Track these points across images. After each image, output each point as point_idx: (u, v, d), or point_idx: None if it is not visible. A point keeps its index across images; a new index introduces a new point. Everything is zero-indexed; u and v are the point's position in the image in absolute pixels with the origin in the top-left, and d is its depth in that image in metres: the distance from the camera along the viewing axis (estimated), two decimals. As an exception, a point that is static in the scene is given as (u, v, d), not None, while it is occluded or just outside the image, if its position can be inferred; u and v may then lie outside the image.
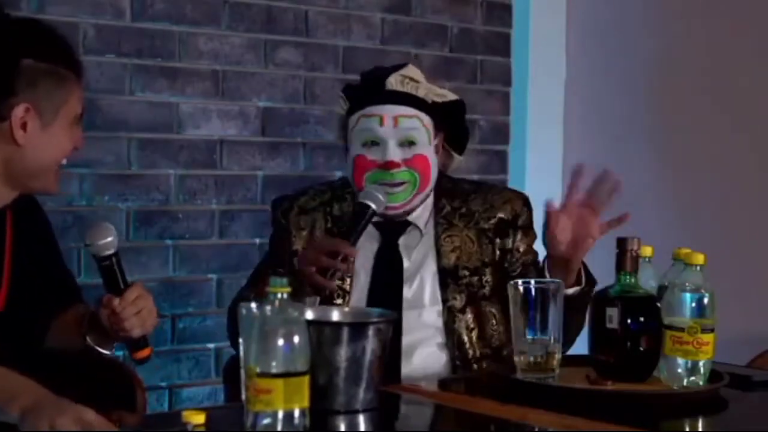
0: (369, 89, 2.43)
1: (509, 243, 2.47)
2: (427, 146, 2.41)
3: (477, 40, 3.85)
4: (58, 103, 2.04)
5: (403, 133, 2.38)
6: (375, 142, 2.38)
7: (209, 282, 3.27)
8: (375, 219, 2.34)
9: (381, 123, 2.37)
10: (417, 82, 2.43)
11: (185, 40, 3.21)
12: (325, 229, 2.45)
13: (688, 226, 3.51)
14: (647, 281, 2.10)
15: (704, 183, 3.55)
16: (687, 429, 2.02)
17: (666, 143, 3.67)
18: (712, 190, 3.53)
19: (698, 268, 2.00)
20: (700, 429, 2.01)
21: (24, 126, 2.01)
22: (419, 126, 2.40)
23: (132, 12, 3.11)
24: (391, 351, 2.32)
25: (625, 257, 2.04)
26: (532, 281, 2.05)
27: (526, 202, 2.52)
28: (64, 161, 2.11)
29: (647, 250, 2.15)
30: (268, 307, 1.55)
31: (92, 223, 2.11)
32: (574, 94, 3.93)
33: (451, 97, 2.48)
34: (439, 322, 2.40)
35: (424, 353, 2.38)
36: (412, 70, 2.44)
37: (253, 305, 1.63)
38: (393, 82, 2.40)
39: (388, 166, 2.37)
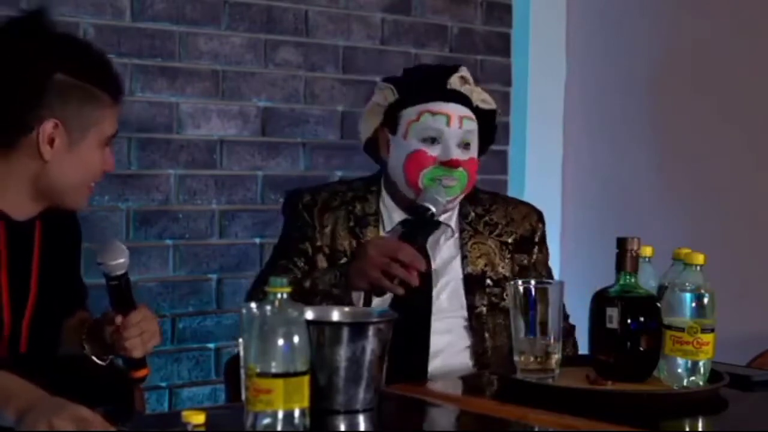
0: (430, 86, 2.41)
1: (526, 259, 2.49)
2: (476, 150, 2.43)
3: (477, 40, 3.85)
4: (87, 123, 1.99)
5: (465, 134, 2.39)
6: (435, 140, 2.37)
7: (209, 282, 3.27)
8: (403, 217, 2.38)
9: (448, 122, 2.37)
10: (471, 85, 2.44)
11: (185, 40, 3.21)
12: (348, 229, 2.42)
13: (688, 226, 3.51)
14: (647, 281, 2.10)
15: (704, 183, 3.55)
16: (687, 429, 2.02)
17: (666, 143, 3.66)
18: (712, 190, 3.53)
19: (698, 268, 2.00)
20: (700, 429, 2.01)
21: (51, 142, 1.97)
22: (474, 129, 2.42)
23: (132, 12, 3.11)
24: (420, 352, 2.34)
25: (625, 257, 2.04)
26: (532, 281, 2.05)
27: (540, 217, 2.55)
28: (94, 182, 2.07)
29: (647, 250, 2.14)
30: (268, 307, 1.55)
31: (106, 242, 2.08)
32: (574, 94, 3.92)
33: (492, 105, 2.48)
34: (462, 327, 2.40)
35: (447, 358, 2.37)
36: (467, 72, 2.44)
37: (253, 305, 1.63)
38: (454, 82, 2.41)
39: (452, 164, 2.36)
